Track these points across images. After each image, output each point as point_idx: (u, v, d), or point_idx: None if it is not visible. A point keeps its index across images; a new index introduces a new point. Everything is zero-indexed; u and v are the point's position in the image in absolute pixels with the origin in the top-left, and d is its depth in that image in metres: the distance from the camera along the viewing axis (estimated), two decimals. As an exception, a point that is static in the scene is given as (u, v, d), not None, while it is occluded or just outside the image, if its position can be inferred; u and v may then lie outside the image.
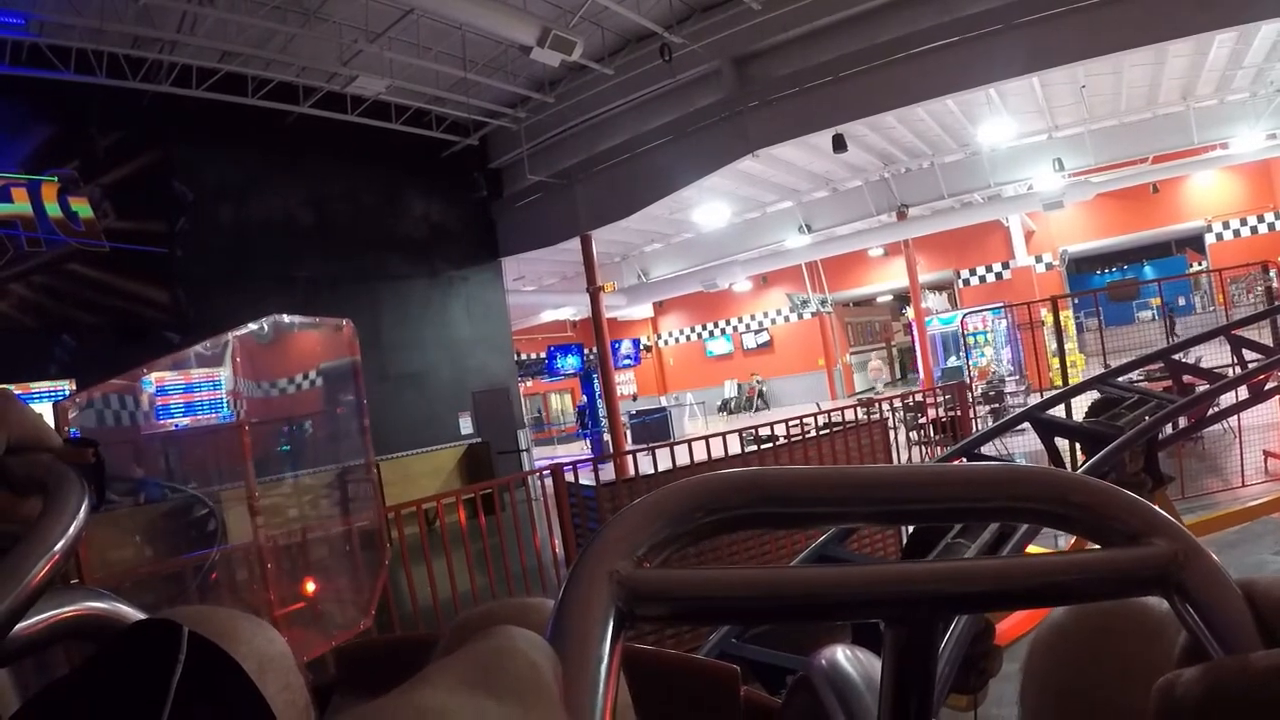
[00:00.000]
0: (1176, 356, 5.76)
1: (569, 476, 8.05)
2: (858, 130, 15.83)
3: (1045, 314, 19.74)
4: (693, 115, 13.97)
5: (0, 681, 0.71)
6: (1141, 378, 7.56)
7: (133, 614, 0.70)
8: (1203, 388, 5.25)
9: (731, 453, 8.58)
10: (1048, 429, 4.48)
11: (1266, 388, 6.21)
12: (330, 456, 8.27)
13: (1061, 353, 11.02)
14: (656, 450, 9.34)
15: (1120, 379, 5.22)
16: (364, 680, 1.10)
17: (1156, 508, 0.45)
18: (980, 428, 12.19)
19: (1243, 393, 5.92)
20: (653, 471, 9.31)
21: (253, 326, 7.18)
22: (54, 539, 0.59)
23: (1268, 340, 7.77)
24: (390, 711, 0.26)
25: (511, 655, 0.33)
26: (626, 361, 26.65)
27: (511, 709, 0.28)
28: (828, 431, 9.57)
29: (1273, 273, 19.35)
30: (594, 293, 16.13)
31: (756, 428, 12.55)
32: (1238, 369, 5.93)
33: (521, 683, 0.31)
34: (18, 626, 0.57)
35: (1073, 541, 3.82)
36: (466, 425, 15.51)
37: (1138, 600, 0.54)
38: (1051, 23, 11.44)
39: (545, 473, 8.46)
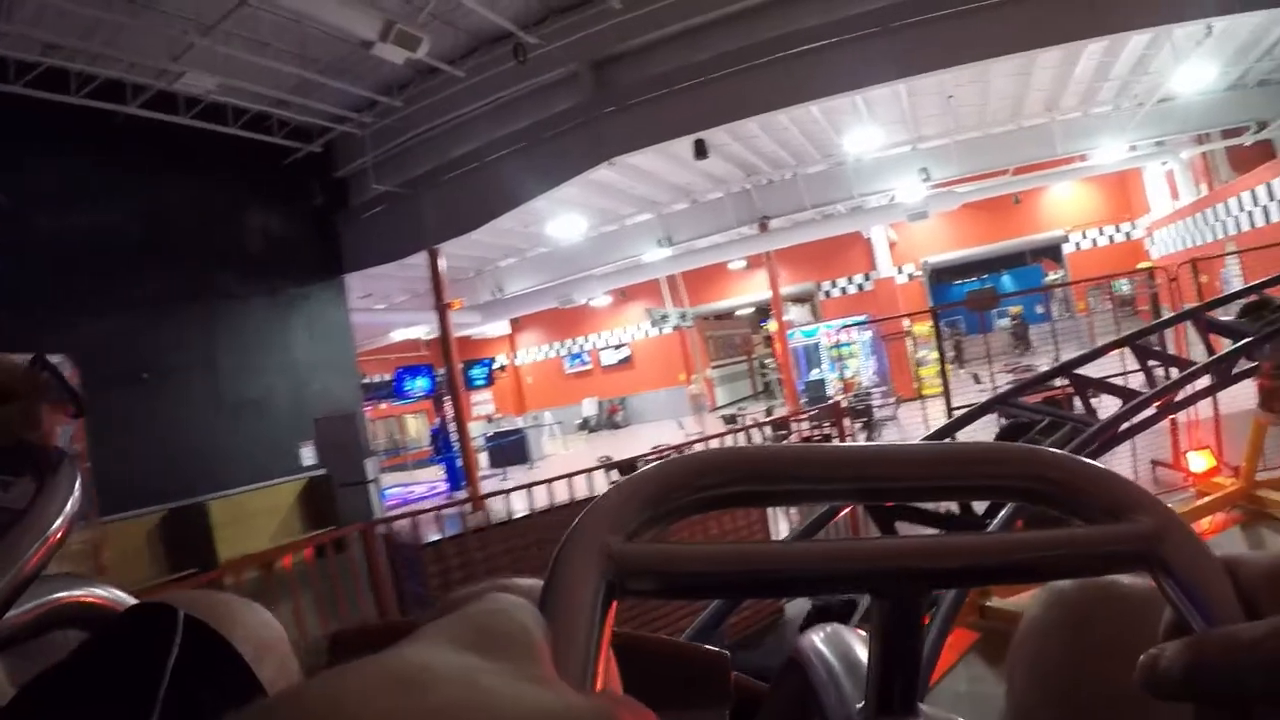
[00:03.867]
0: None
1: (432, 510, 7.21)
2: (720, 140, 15.42)
3: (911, 325, 19.85)
4: (548, 121, 13.22)
5: None
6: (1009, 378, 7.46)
7: (127, 599, 0.71)
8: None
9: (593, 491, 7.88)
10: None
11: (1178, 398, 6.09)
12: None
13: (943, 364, 10.89)
14: (513, 477, 8.62)
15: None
16: None
17: (1137, 484, 0.46)
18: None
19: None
20: (505, 519, 8.39)
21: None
22: (48, 524, 0.60)
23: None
24: (377, 665, 0.26)
25: (502, 616, 0.33)
26: (479, 382, 25.76)
27: (501, 666, 0.28)
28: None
29: (1125, 282, 19.85)
30: (442, 310, 15.29)
31: (619, 465, 12.02)
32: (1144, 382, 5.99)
33: (511, 642, 0.31)
34: (10, 613, 0.57)
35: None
36: (309, 455, 14.23)
37: (1125, 578, 0.51)
38: (927, 27, 11.19)
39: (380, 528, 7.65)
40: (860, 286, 26.03)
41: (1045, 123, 18.18)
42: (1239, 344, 5.58)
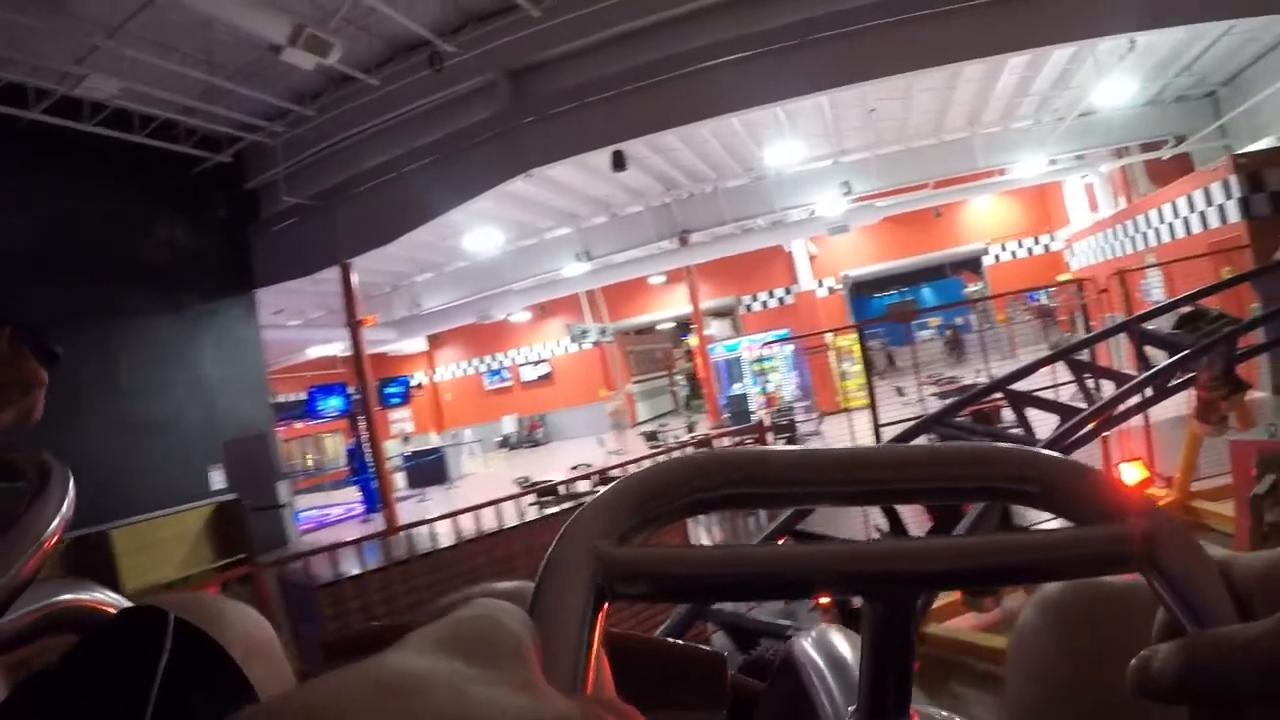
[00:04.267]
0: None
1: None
2: (639, 152, 15.30)
3: (834, 339, 19.90)
4: (464, 132, 12.92)
5: None
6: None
7: (120, 602, 0.71)
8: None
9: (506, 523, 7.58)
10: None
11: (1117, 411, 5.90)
12: None
13: (870, 377, 10.91)
14: (432, 497, 8.27)
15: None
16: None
17: (1129, 485, 0.47)
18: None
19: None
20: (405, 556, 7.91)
21: None
22: (42, 528, 0.60)
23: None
24: (364, 672, 0.26)
25: (489, 623, 0.33)
26: (395, 401, 25.25)
27: (488, 672, 0.29)
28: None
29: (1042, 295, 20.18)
30: (354, 327, 14.79)
31: (541, 496, 11.93)
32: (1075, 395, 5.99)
33: (499, 648, 0.31)
34: (5, 618, 0.57)
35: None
36: (219, 479, 13.64)
37: (1121, 579, 0.50)
38: (847, 40, 11.20)
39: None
40: (781, 300, 26.06)
41: (966, 137, 18.47)
42: (1178, 356, 5.49)
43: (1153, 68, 15.84)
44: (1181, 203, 13.11)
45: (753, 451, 0.45)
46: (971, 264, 27.07)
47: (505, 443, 29.70)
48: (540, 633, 0.34)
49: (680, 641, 0.72)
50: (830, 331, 19.98)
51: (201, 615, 0.62)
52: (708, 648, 0.70)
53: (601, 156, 13.59)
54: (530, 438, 29.74)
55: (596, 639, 0.36)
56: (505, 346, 30.74)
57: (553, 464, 20.01)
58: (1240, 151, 11.86)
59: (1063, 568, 0.45)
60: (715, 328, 26.87)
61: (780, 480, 0.45)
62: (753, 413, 21.31)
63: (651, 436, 20.40)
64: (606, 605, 0.38)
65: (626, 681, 0.40)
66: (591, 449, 22.06)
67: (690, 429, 20.64)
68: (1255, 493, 5.48)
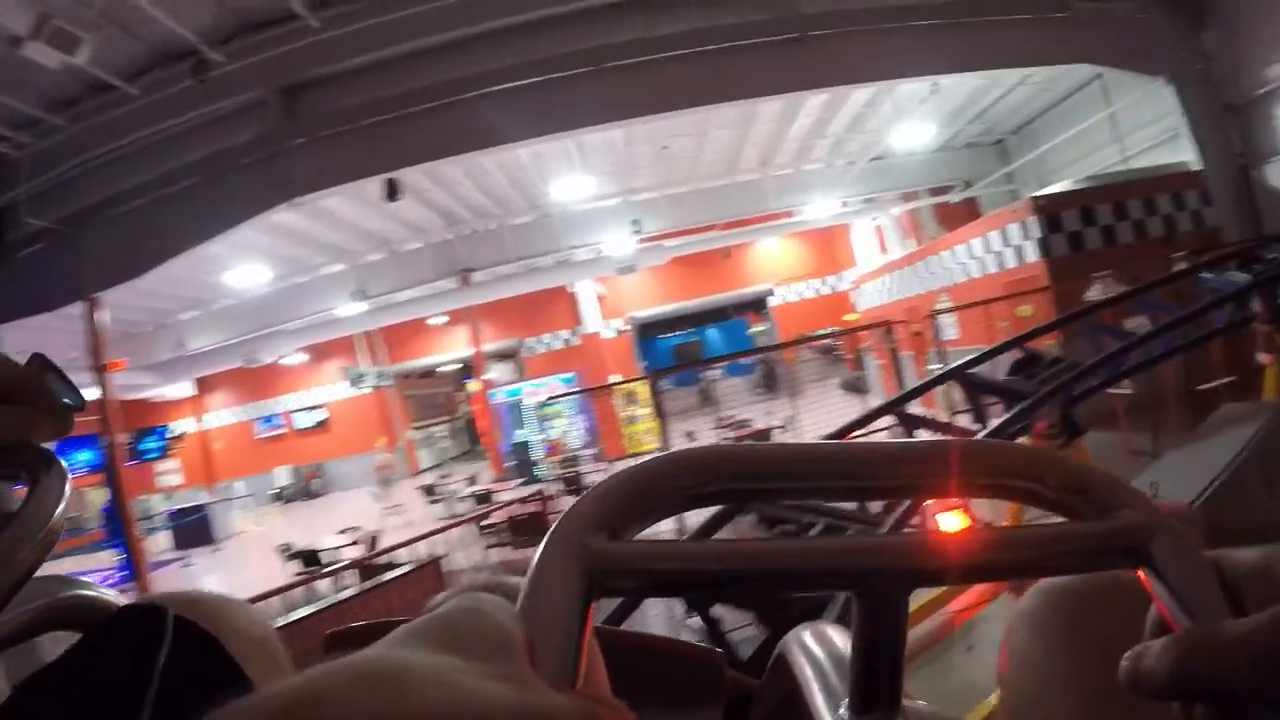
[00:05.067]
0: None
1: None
2: (419, 184, 14.94)
3: (621, 385, 19.91)
4: (229, 152, 11.95)
5: None
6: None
7: (118, 600, 0.73)
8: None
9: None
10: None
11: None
12: None
13: (662, 420, 11.07)
14: (198, 560, 7.79)
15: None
16: None
17: (1124, 481, 0.47)
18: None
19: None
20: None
21: None
22: (41, 524, 0.59)
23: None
24: (354, 665, 0.27)
25: (478, 616, 0.34)
26: (152, 455, 23.70)
27: (477, 665, 0.29)
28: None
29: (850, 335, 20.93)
30: (100, 371, 13.40)
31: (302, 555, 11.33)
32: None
33: (488, 642, 0.32)
34: (4, 616, 0.58)
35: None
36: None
37: (1117, 574, 0.48)
38: (641, 70, 11.20)
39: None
40: (566, 342, 25.94)
41: (758, 178, 18.95)
42: (1022, 406, 5.37)
43: (948, 114, 16.90)
44: (977, 243, 13.82)
45: (746, 446, 0.46)
46: (757, 305, 27.78)
47: (280, 495, 28.09)
48: (530, 627, 0.35)
49: (678, 640, 0.77)
50: (619, 383, 19.98)
51: (201, 612, 0.62)
52: (704, 645, 0.74)
53: (377, 187, 13.02)
54: (307, 489, 28.28)
55: (587, 633, 0.36)
56: (279, 391, 29.07)
57: (332, 519, 19.15)
58: (1039, 193, 12.69)
59: (1057, 562, 0.45)
60: (498, 371, 26.49)
61: (774, 475, 0.45)
62: (536, 463, 20.83)
63: (430, 490, 19.60)
64: (596, 600, 0.38)
65: (624, 679, 0.40)
66: (370, 503, 21.29)
67: (472, 480, 19.99)
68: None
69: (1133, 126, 14.54)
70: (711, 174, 18.74)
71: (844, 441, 0.45)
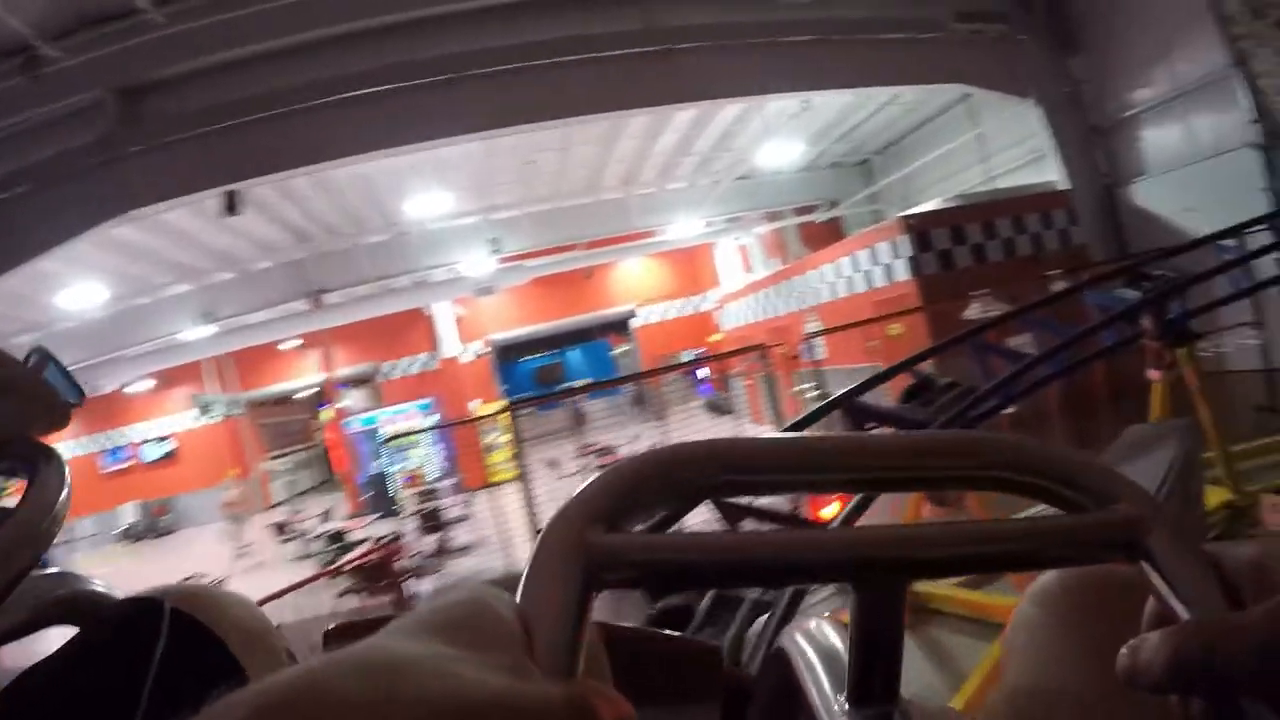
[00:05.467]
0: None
1: None
2: (268, 198, 14.16)
3: (480, 405, 19.51)
4: (63, 158, 10.91)
5: None
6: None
7: (116, 594, 0.75)
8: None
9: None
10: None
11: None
12: None
13: (521, 448, 10.84)
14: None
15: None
16: None
17: (1121, 473, 0.47)
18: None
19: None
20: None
21: None
22: (39, 520, 0.60)
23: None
24: (353, 655, 0.27)
25: (476, 607, 0.34)
26: (-31, 496, 22.07)
27: (473, 655, 0.30)
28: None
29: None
30: None
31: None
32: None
33: (486, 633, 0.32)
34: (4, 610, 0.58)
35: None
36: None
37: (1115, 568, 0.49)
38: (505, 79, 10.81)
39: None
40: (425, 366, 25.14)
41: (622, 197, 18.68)
42: (1017, 368, 5.24)
43: (816, 132, 16.87)
44: (846, 262, 13.87)
45: (744, 439, 0.45)
46: (620, 325, 27.63)
47: (128, 533, 26.29)
48: (528, 618, 0.35)
49: (676, 634, 0.78)
50: (490, 417, 19.40)
51: (198, 606, 0.62)
52: (703, 640, 0.76)
53: (222, 197, 12.17)
54: (155, 526, 26.59)
55: (585, 625, 0.36)
56: (125, 421, 27.23)
57: (182, 558, 18.11)
58: (908, 212, 12.81)
59: (1055, 555, 0.46)
60: (354, 397, 25.53)
61: (773, 467, 0.45)
62: (394, 496, 19.77)
63: (281, 528, 18.63)
64: (596, 592, 0.38)
65: (622, 674, 0.40)
66: (221, 541, 20.03)
67: (325, 516, 19.10)
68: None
69: (999, 147, 14.79)
70: (574, 192, 18.34)
71: (842, 435, 0.45)
